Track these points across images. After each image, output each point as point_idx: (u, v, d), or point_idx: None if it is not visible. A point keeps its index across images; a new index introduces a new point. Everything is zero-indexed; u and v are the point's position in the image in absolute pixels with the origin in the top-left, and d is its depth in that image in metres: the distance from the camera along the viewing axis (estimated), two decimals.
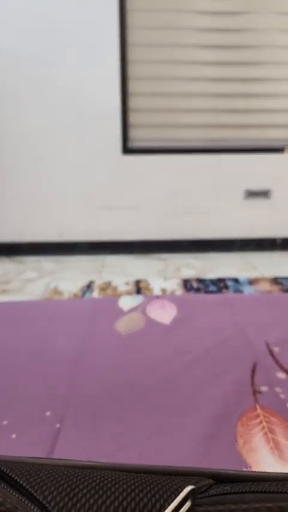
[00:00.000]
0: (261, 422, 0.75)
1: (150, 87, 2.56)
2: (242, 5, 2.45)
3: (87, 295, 2.03)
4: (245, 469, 0.62)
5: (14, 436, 0.71)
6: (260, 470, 0.63)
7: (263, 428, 0.73)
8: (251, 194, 2.76)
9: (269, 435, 0.71)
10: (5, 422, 0.75)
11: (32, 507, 0.22)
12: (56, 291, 2.12)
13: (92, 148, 2.62)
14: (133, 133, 2.62)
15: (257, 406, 0.79)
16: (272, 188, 2.75)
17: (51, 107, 2.52)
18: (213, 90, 2.59)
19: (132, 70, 2.51)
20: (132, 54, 2.47)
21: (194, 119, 2.63)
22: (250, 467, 0.65)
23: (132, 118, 2.58)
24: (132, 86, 2.54)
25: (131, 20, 2.43)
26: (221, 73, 2.55)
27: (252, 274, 2.33)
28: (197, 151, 2.66)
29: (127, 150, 2.63)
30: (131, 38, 2.45)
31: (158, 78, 2.54)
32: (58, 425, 0.74)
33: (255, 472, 0.61)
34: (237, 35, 2.48)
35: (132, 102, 2.56)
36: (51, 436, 0.72)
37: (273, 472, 0.57)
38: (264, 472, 0.58)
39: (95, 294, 2.04)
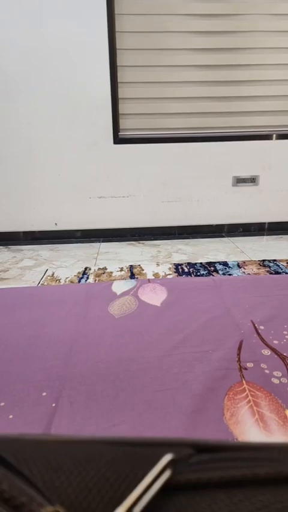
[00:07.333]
0: (247, 396, 0.78)
1: (139, 76, 2.55)
2: None
3: (83, 281, 2.06)
4: (231, 440, 0.66)
5: (11, 416, 0.74)
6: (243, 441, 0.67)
7: (249, 402, 0.77)
8: (239, 180, 2.78)
9: (255, 408, 0.75)
10: (2, 404, 0.77)
11: (18, 481, 0.22)
12: (53, 278, 2.14)
13: (84, 139, 2.62)
14: (123, 123, 2.62)
15: (244, 381, 0.82)
16: (260, 174, 2.78)
17: (43, 99, 2.51)
18: (202, 78, 2.58)
19: (121, 59, 2.49)
20: (120, 43, 2.45)
21: (182, 107, 2.62)
22: (236, 439, 0.69)
23: (122, 108, 2.57)
24: (121, 75, 2.52)
25: (119, 7, 2.39)
26: (209, 60, 2.54)
27: (241, 258, 2.37)
28: (186, 140, 2.67)
29: (118, 140, 2.63)
30: (119, 27, 2.42)
31: (146, 66, 2.53)
32: (54, 404, 0.77)
33: (233, 442, 0.65)
34: (224, 21, 2.47)
35: (122, 92, 2.55)
36: (47, 415, 0.74)
37: (250, 442, 0.60)
38: (241, 442, 0.62)
39: (91, 279, 2.07)
